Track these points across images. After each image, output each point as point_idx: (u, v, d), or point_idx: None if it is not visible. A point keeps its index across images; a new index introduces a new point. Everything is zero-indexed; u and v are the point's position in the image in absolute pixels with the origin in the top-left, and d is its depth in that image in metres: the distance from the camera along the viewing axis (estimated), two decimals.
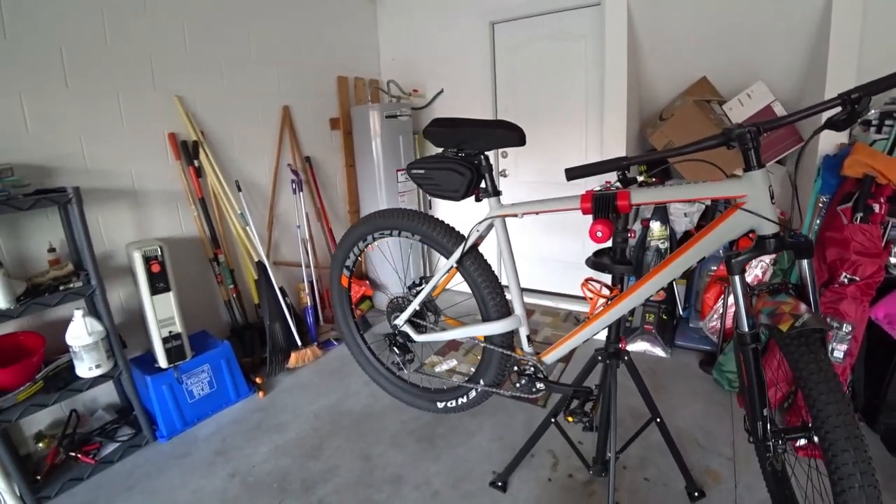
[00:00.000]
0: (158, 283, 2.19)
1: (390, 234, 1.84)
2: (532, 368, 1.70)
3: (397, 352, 1.99)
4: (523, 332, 1.68)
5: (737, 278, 1.19)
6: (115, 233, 2.31)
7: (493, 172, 1.59)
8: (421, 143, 3.51)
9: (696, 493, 1.74)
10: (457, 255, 1.65)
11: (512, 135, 1.46)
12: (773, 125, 1.11)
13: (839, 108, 1.05)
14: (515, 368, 1.72)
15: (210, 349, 2.43)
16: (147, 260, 2.15)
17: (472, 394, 1.86)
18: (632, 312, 2.88)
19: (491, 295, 1.66)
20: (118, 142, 2.29)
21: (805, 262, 1.17)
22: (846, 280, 1.94)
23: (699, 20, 2.50)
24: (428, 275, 3.69)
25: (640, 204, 1.31)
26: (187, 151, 2.53)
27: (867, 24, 2.23)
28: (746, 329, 1.19)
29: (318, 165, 3.22)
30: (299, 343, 2.79)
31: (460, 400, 1.91)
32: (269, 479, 1.96)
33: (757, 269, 2.48)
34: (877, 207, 1.92)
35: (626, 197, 1.28)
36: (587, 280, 1.54)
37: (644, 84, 2.85)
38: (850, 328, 1.92)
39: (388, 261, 3.16)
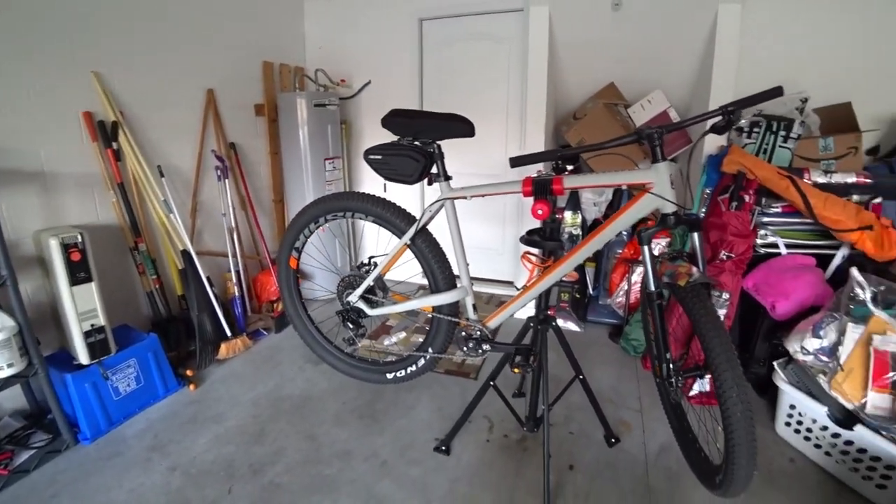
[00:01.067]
0: (79, 273, 2.14)
1: (343, 216, 2.01)
2: (479, 332, 1.98)
3: (351, 327, 2.17)
4: (469, 301, 1.95)
5: (646, 248, 1.53)
6: (21, 219, 2.18)
7: (443, 158, 1.84)
8: (348, 133, 3.65)
9: (613, 440, 2.13)
10: (410, 233, 1.88)
11: (464, 126, 1.74)
12: (674, 128, 1.49)
13: (720, 117, 1.45)
14: (463, 334, 1.99)
15: (136, 342, 2.40)
16: (66, 248, 2.09)
17: (422, 361, 2.09)
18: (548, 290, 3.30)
19: (440, 268, 1.91)
20: (24, 118, 2.16)
21: (696, 235, 1.55)
22: (724, 257, 2.45)
23: (610, 34, 2.92)
24: (372, 256, 3.90)
25: (572, 188, 1.64)
26: (105, 132, 2.45)
27: (745, 47, 2.80)
28: (653, 288, 1.56)
29: (243, 152, 3.24)
30: (229, 333, 2.84)
31: (409, 369, 2.14)
32: (213, 467, 2.02)
33: (655, 250, 2.99)
34: (747, 198, 2.44)
35: (560, 182, 1.60)
36: (525, 253, 1.86)
37: (560, 86, 3.25)
38: (728, 296, 2.43)
39: (332, 244, 3.29)
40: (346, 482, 1.95)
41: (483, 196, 1.79)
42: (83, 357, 2.20)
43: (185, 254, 2.72)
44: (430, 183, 1.86)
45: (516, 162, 1.63)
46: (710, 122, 1.48)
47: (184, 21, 2.83)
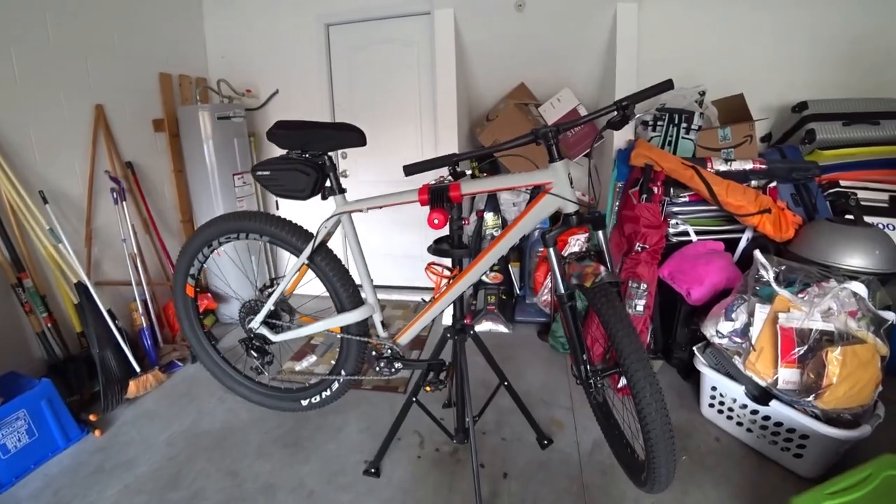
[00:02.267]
0: None
1: (237, 238, 1.84)
2: (389, 351, 1.85)
3: (255, 355, 1.99)
4: (377, 319, 1.83)
5: (551, 250, 1.47)
6: None
7: (337, 171, 1.71)
8: (257, 145, 3.42)
9: (546, 442, 2.06)
10: (307, 251, 1.73)
11: (354, 136, 1.62)
12: (569, 126, 1.43)
13: (615, 113, 1.41)
14: (374, 353, 1.86)
15: (24, 390, 2.09)
16: None
17: (335, 385, 1.95)
18: (475, 296, 3.22)
19: (343, 287, 1.78)
20: None
21: (600, 233, 1.50)
22: (639, 248, 2.45)
23: (516, 34, 2.89)
24: (276, 277, 3.68)
25: (470, 193, 1.54)
26: None
27: (645, 45, 2.84)
28: (563, 291, 1.49)
29: (143, 171, 2.95)
30: (138, 369, 2.56)
31: (324, 394, 1.99)
32: None
33: (575, 247, 2.97)
34: (656, 190, 2.46)
35: (458, 188, 1.51)
36: (430, 264, 1.76)
37: (472, 88, 3.19)
38: (646, 286, 2.43)
39: (238, 266, 3.07)
40: None
41: (381, 207, 1.67)
42: None
43: (81, 286, 2.44)
44: (324, 197, 1.73)
45: (410, 170, 1.53)
46: (606, 119, 1.43)
47: (65, 34, 2.54)
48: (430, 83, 3.15)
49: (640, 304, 2.43)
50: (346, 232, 1.75)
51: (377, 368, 1.84)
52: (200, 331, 2.12)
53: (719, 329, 2.05)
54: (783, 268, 2.05)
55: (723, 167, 2.47)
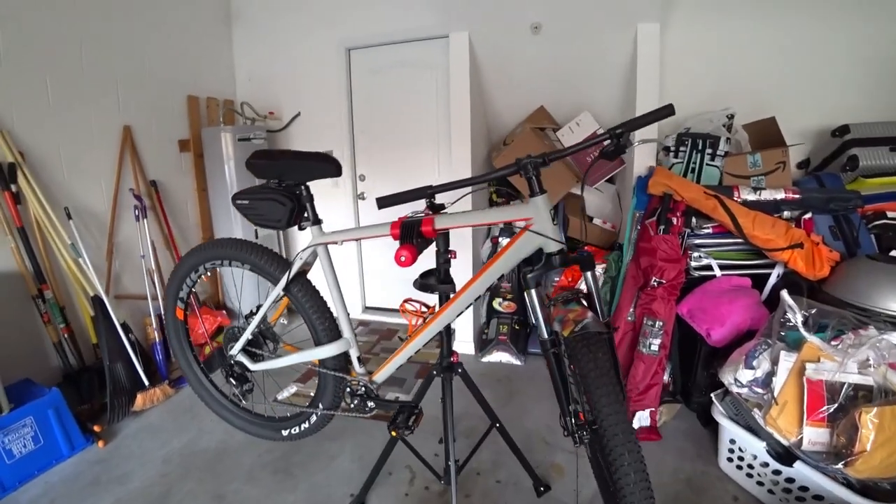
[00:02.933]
0: None
1: (221, 264, 1.80)
2: (363, 388, 1.73)
3: (234, 383, 1.92)
4: (353, 354, 1.72)
5: (532, 292, 1.31)
6: None
7: (314, 201, 1.64)
8: None
9: (542, 488, 1.88)
10: (282, 283, 1.66)
11: (329, 167, 1.56)
12: (557, 156, 1.29)
13: (609, 141, 1.26)
14: (348, 389, 1.75)
15: (33, 399, 2.12)
16: None
17: (313, 418, 1.85)
18: (487, 324, 3.07)
19: (320, 320, 1.69)
20: None
21: (589, 275, 1.34)
22: (656, 283, 2.24)
23: (535, 58, 2.77)
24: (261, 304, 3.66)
25: (444, 229, 1.42)
26: (2, 175, 2.24)
27: (669, 67, 2.66)
28: (546, 336, 1.34)
29: (166, 190, 3.01)
30: (146, 382, 2.56)
31: (303, 426, 1.89)
32: None
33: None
34: (675, 220, 2.25)
35: (430, 223, 1.39)
36: (405, 301, 1.64)
37: (491, 111, 3.08)
38: (662, 324, 2.22)
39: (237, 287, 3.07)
40: None
41: (356, 240, 1.58)
42: None
43: (97, 299, 2.47)
44: (301, 228, 1.66)
45: (383, 203, 1.43)
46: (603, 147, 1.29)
47: (96, 55, 2.62)
48: (447, 107, 3.07)
49: (656, 344, 2.22)
50: (322, 264, 1.67)
51: (351, 405, 1.73)
52: (189, 352, 2.08)
53: (738, 377, 1.82)
54: (814, 311, 1.80)
55: (751, 196, 2.24)
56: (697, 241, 2.31)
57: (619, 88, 2.77)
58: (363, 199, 3.48)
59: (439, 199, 1.47)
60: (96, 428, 2.31)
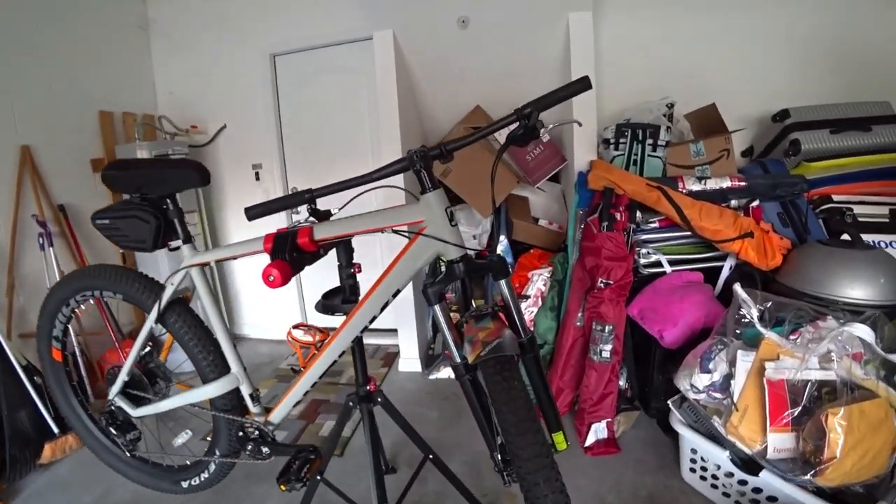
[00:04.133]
0: None
1: (93, 296, 1.51)
2: (256, 432, 1.44)
3: (114, 432, 1.59)
4: (245, 391, 1.43)
5: (437, 308, 1.08)
6: None
7: (184, 217, 1.37)
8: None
9: None
10: (153, 314, 1.38)
11: (195, 175, 1.30)
12: (455, 146, 1.04)
13: (517, 124, 1.03)
14: (240, 433, 1.45)
15: None
16: None
17: (212, 467, 1.55)
18: (434, 339, 2.80)
19: (202, 354, 1.40)
20: None
21: (503, 283, 1.10)
22: (602, 284, 2.02)
23: (467, 55, 2.54)
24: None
25: (325, 239, 1.17)
26: None
27: (605, 58, 2.47)
28: (458, 360, 1.09)
29: (78, 214, 2.63)
30: (56, 430, 2.20)
31: (202, 476, 1.58)
32: None
33: (539, 283, 2.54)
34: (618, 216, 2.04)
35: (307, 233, 1.14)
36: (293, 327, 1.38)
37: (425, 114, 2.83)
38: (612, 328, 1.99)
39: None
40: None
41: (231, 258, 1.32)
42: None
43: None
44: (171, 249, 1.41)
45: (252, 213, 1.16)
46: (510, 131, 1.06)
47: None
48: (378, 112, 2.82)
49: (607, 350, 2.00)
50: (198, 288, 1.39)
51: (247, 451, 1.44)
52: (73, 397, 1.75)
53: (694, 383, 1.61)
54: (769, 304, 1.60)
55: (696, 186, 2.05)
56: (644, 237, 2.11)
57: (554, 83, 2.55)
58: (297, 213, 3.19)
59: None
60: None
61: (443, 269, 1.07)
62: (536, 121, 0.99)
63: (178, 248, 1.38)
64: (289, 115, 3.03)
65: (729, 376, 1.55)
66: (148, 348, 1.60)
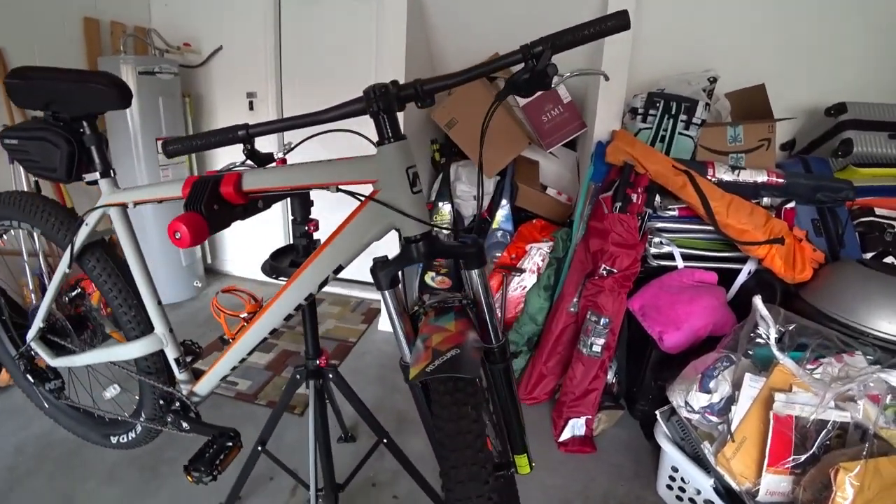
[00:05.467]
0: None
1: (10, 227, 1.30)
2: (178, 403, 1.25)
3: (30, 379, 1.42)
4: (171, 355, 1.22)
5: (387, 294, 0.85)
6: None
7: (104, 144, 1.13)
8: (194, 107, 2.80)
9: None
10: (66, 258, 1.16)
11: (108, 92, 1.04)
12: (434, 86, 0.76)
13: (521, 65, 0.74)
14: (161, 402, 1.26)
15: None
16: None
17: (139, 428, 1.39)
18: (420, 300, 2.60)
19: (122, 308, 1.19)
20: None
21: (474, 274, 0.86)
22: (604, 272, 1.77)
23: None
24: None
25: (255, 191, 0.91)
26: None
27: (645, 22, 2.08)
28: (409, 359, 0.87)
29: None
30: (13, 353, 2.07)
31: (130, 435, 1.42)
32: None
33: (537, 257, 2.29)
34: (635, 197, 1.76)
35: (233, 182, 0.87)
36: (221, 291, 1.16)
37: (438, 59, 2.48)
38: (607, 321, 1.76)
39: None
40: None
41: (154, 201, 1.07)
42: None
43: None
44: (89, 182, 1.16)
45: (172, 149, 0.91)
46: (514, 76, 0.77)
47: None
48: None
49: (598, 344, 1.77)
50: (118, 232, 1.15)
51: (168, 422, 1.26)
52: (3, 333, 1.58)
53: (689, 401, 1.38)
54: (791, 327, 1.35)
55: (727, 176, 1.75)
56: (660, 225, 1.84)
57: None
58: (291, 149, 2.91)
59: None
60: None
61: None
62: (548, 64, 0.70)
63: (94, 182, 1.14)
64: (290, 43, 2.67)
65: (730, 400, 1.33)
66: (78, 291, 1.40)
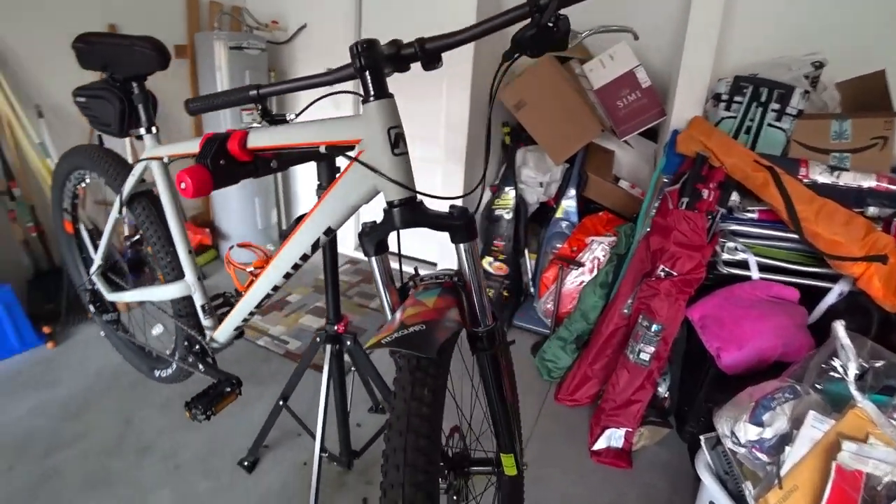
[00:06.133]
0: None
1: (85, 175, 1.46)
2: (198, 346, 1.34)
3: (92, 309, 1.60)
4: (197, 301, 1.29)
5: (373, 261, 0.80)
6: None
7: (150, 103, 1.25)
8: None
9: None
10: (116, 205, 1.27)
11: (149, 55, 1.12)
12: (437, 45, 0.70)
13: (527, 20, 0.64)
14: (185, 343, 1.35)
15: None
16: None
17: (174, 366, 1.50)
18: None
19: (161, 253, 1.28)
20: None
21: (462, 248, 0.77)
22: (662, 273, 1.58)
23: None
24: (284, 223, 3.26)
25: (259, 148, 0.91)
26: None
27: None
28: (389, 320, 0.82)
29: (157, 95, 2.64)
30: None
31: (167, 371, 1.55)
32: (13, 439, 1.61)
33: (597, 251, 2.11)
34: (706, 193, 1.53)
35: (238, 139, 0.88)
36: (236, 245, 1.19)
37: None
38: (660, 328, 1.57)
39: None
40: (126, 482, 1.48)
41: (186, 156, 1.11)
42: None
43: None
44: (139, 137, 1.25)
45: (194, 106, 0.94)
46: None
47: None
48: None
49: (647, 352, 1.59)
50: (158, 184, 1.23)
51: (189, 362, 1.36)
52: (84, 270, 1.76)
53: (737, 432, 1.19)
54: (880, 364, 1.10)
55: (824, 178, 1.46)
56: (735, 228, 1.59)
57: (671, 14, 1.94)
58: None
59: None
60: (45, 329, 2.12)
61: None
62: (557, 18, 0.61)
63: (140, 136, 1.24)
64: (371, 23, 2.68)
65: (785, 438, 1.11)
66: (137, 237, 1.54)
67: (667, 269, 1.56)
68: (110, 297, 1.52)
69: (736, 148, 1.49)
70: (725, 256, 1.60)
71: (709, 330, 1.51)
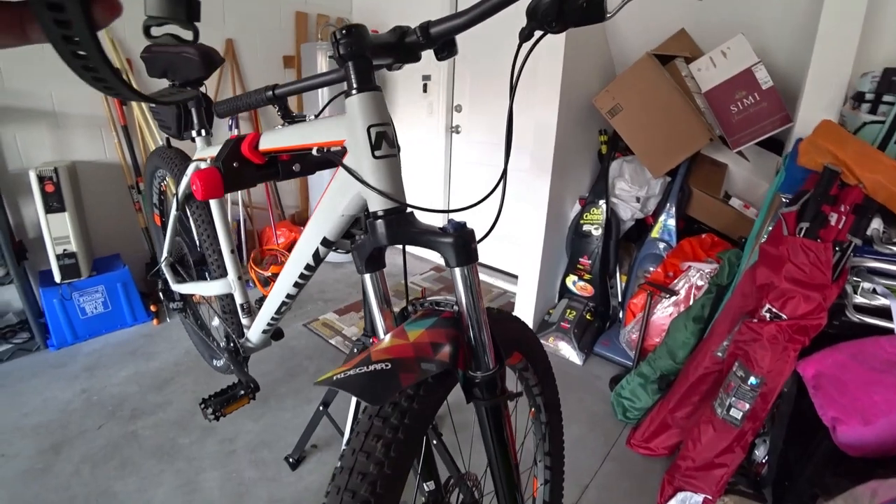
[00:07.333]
0: (52, 203, 2.05)
1: (163, 175, 1.56)
2: (231, 343, 1.34)
3: (161, 297, 1.72)
4: (237, 300, 1.31)
5: (365, 279, 0.69)
6: (32, 152, 2.19)
7: (203, 109, 1.28)
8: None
9: None
10: (174, 203, 1.34)
11: (195, 61, 1.14)
12: (445, 28, 0.58)
13: None
14: (224, 339, 1.38)
15: (108, 272, 2.29)
16: (41, 180, 2.00)
17: (223, 358, 1.53)
18: (555, 305, 2.29)
19: (208, 251, 1.32)
20: (36, 63, 2.10)
21: (458, 274, 0.62)
22: (768, 315, 1.27)
23: None
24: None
25: (269, 150, 0.86)
26: None
27: None
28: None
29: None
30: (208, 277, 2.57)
31: (220, 362, 1.61)
32: (109, 401, 1.81)
33: (695, 279, 1.80)
34: (834, 218, 1.20)
35: (251, 141, 0.85)
36: (254, 250, 1.14)
37: (613, 36, 2.09)
38: (759, 381, 1.26)
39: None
40: (186, 458, 1.57)
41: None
42: (56, 276, 2.15)
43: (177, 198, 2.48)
44: (193, 140, 1.31)
45: (221, 110, 0.94)
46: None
47: None
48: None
49: (739, 409, 1.30)
50: None
51: (224, 357, 1.40)
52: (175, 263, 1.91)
53: None
54: None
55: None
56: (875, 265, 1.23)
57: (799, 5, 1.59)
58: (457, 132, 2.87)
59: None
60: (152, 307, 2.39)
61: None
62: None
63: (193, 139, 1.30)
64: (466, 34, 2.64)
65: None
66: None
67: (774, 310, 1.25)
68: (174, 287, 1.62)
69: (881, 161, 1.14)
70: (858, 300, 1.24)
71: (824, 392, 1.17)
